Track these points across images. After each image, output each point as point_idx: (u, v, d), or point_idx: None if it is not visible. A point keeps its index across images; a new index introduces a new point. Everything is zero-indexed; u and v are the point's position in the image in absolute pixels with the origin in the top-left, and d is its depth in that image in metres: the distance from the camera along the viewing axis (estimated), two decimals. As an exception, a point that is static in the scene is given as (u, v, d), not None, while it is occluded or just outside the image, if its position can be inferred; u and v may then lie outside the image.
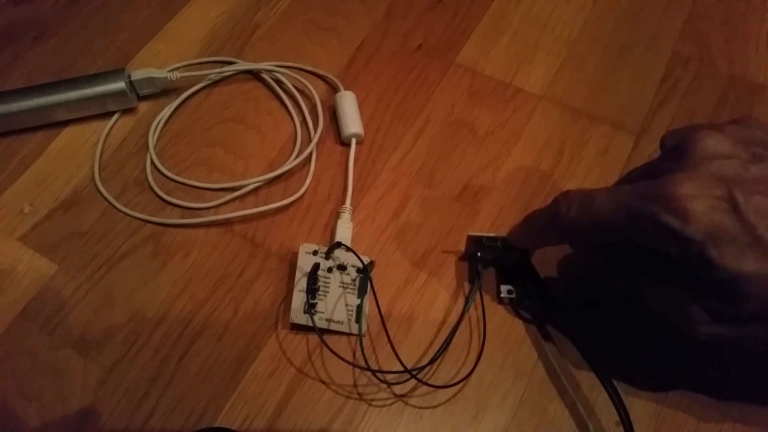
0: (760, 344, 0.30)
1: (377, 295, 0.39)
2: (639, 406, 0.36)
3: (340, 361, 0.37)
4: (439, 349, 0.37)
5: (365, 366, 0.37)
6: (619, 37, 0.50)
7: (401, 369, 0.36)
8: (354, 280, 0.39)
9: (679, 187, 0.28)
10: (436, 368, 0.37)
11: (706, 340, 0.30)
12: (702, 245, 0.27)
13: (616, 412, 0.35)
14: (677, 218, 0.27)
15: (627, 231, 0.29)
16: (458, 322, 0.38)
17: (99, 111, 0.46)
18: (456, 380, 0.37)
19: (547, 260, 0.40)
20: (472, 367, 0.37)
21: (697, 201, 0.27)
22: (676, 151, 0.31)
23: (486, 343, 0.38)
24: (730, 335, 0.29)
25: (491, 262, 0.40)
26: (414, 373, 0.36)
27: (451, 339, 0.38)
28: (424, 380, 0.37)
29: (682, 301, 0.30)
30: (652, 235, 0.29)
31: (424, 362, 0.37)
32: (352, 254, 0.39)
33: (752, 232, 0.27)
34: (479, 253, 0.39)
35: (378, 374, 0.37)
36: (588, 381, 0.36)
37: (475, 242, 0.39)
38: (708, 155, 0.29)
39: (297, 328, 0.38)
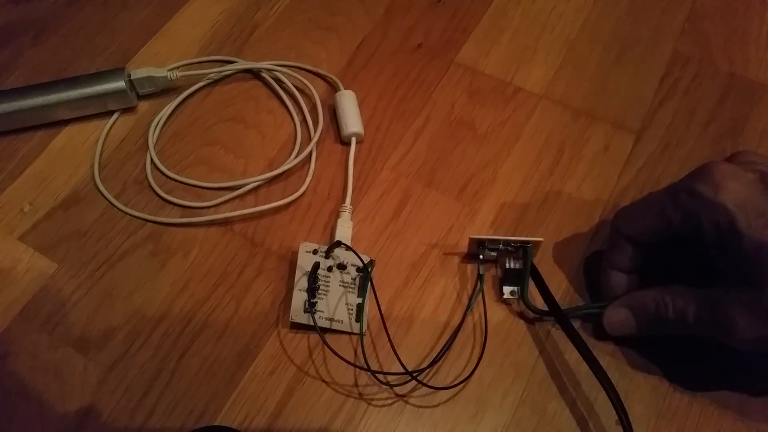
0: None
1: (378, 295, 0.39)
2: (639, 405, 0.36)
3: (340, 360, 0.37)
4: (440, 351, 0.37)
5: (366, 367, 0.37)
6: (619, 36, 0.50)
7: (402, 371, 0.36)
8: (354, 279, 0.39)
9: (716, 166, 0.31)
10: (437, 368, 0.37)
11: (749, 347, 0.31)
12: (732, 215, 0.30)
13: (615, 412, 0.35)
14: (711, 188, 0.31)
15: (671, 210, 0.32)
16: (459, 325, 0.38)
17: (99, 110, 0.46)
18: (456, 382, 0.37)
19: (546, 260, 0.40)
20: (473, 368, 0.37)
21: (732, 178, 0.31)
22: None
23: (486, 342, 0.38)
24: None
25: (493, 264, 0.40)
26: (415, 374, 0.36)
27: (452, 341, 0.38)
28: (424, 381, 0.37)
29: (722, 306, 0.31)
30: (691, 209, 0.31)
31: (425, 362, 0.37)
32: (352, 253, 0.39)
33: None
34: (481, 256, 0.39)
35: (378, 375, 0.37)
36: (588, 380, 0.36)
37: (477, 244, 0.39)
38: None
39: (297, 327, 0.38)
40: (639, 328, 0.35)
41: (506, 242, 0.38)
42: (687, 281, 0.34)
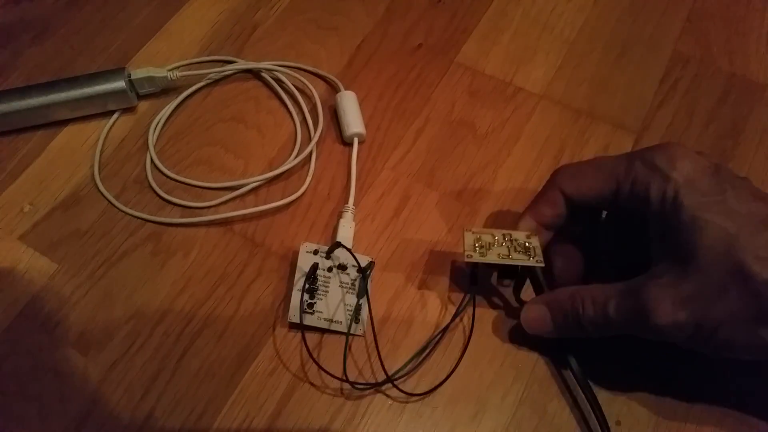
0: (725, 333, 0.30)
1: (377, 295, 0.39)
2: (639, 406, 0.36)
3: (340, 360, 0.37)
4: (413, 357, 0.37)
5: (345, 379, 0.36)
6: (619, 37, 0.50)
7: (383, 378, 0.36)
8: (354, 280, 0.39)
9: (678, 146, 0.33)
10: (432, 367, 0.37)
11: (666, 335, 0.31)
12: (678, 188, 0.31)
13: (615, 412, 0.35)
14: (667, 162, 0.32)
15: (623, 174, 0.33)
16: (445, 328, 0.38)
17: (99, 110, 0.46)
18: (435, 384, 0.37)
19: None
20: (450, 371, 0.37)
21: (688, 159, 0.32)
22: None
23: (485, 342, 0.38)
24: (691, 319, 0.30)
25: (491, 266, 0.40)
26: (395, 379, 0.36)
27: (434, 346, 0.38)
28: (406, 388, 0.37)
29: (644, 290, 0.31)
30: (642, 177, 0.33)
31: (410, 361, 0.37)
32: (351, 254, 0.39)
33: (722, 194, 0.31)
34: (476, 271, 0.38)
35: (357, 386, 0.36)
36: (588, 380, 0.36)
37: (474, 266, 0.38)
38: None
39: (296, 327, 0.38)
40: (556, 327, 0.35)
41: (505, 266, 0.37)
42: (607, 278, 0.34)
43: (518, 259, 0.36)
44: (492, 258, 0.36)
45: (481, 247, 0.36)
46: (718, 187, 0.31)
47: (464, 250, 0.36)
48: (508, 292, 0.39)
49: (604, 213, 0.40)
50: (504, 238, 0.37)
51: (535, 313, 0.36)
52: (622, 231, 0.38)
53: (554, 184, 0.36)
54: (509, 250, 0.36)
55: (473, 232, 0.37)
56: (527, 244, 0.36)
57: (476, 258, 0.36)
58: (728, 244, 0.29)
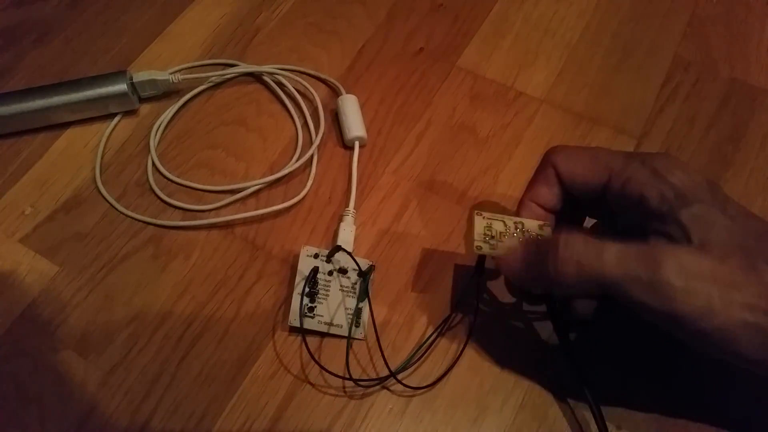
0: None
1: (377, 299, 0.39)
2: (639, 411, 0.36)
3: (340, 363, 0.37)
4: (420, 349, 0.37)
5: (349, 377, 0.36)
6: (620, 41, 0.50)
7: (388, 373, 0.36)
8: (355, 284, 0.39)
9: (675, 157, 0.33)
10: (432, 364, 0.37)
11: (680, 294, 0.29)
12: (679, 191, 0.31)
13: (616, 417, 0.35)
14: (666, 168, 0.31)
15: (620, 166, 0.32)
16: (445, 319, 0.38)
17: (100, 113, 0.47)
18: (438, 377, 0.37)
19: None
20: (447, 367, 0.37)
21: (685, 169, 0.32)
22: None
23: (487, 346, 0.38)
24: (704, 298, 0.29)
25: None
26: (396, 374, 0.36)
27: (431, 343, 0.38)
28: (412, 382, 0.37)
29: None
30: (636, 176, 0.32)
31: (413, 353, 0.37)
32: (351, 258, 0.39)
33: (721, 203, 0.31)
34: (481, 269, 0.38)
35: (360, 382, 0.37)
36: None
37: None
38: None
39: (297, 330, 0.38)
40: (526, 267, 0.33)
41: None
42: None
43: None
44: (502, 251, 0.34)
45: (492, 237, 0.35)
46: (714, 198, 0.31)
47: (474, 239, 0.35)
48: (508, 293, 0.39)
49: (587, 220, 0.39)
50: (516, 228, 0.35)
51: (510, 252, 0.34)
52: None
53: (548, 161, 0.35)
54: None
55: (484, 217, 0.35)
56: (539, 237, 0.35)
57: (486, 250, 0.35)
58: (736, 245, 0.29)
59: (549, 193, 0.35)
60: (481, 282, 0.39)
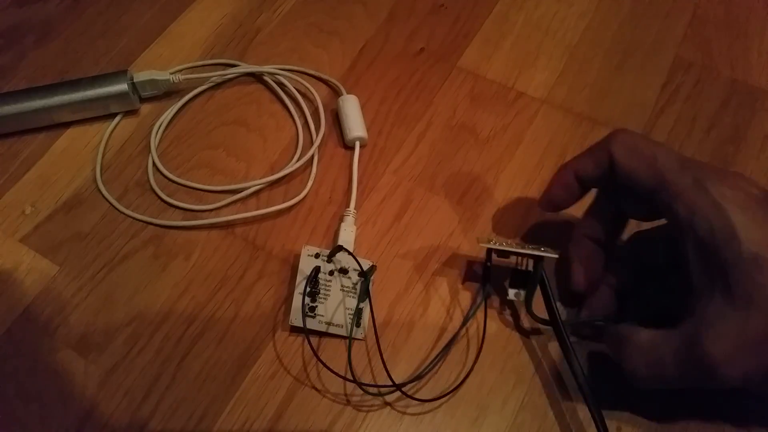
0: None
1: (378, 299, 0.39)
2: (640, 412, 0.36)
3: (338, 363, 0.37)
4: (431, 363, 0.37)
5: (352, 379, 0.36)
6: (621, 42, 0.50)
7: (389, 383, 0.36)
8: (355, 284, 0.39)
9: (734, 174, 0.31)
10: (434, 375, 0.37)
11: (737, 380, 0.29)
12: (732, 220, 0.29)
13: (616, 418, 0.35)
14: (719, 185, 0.30)
15: (673, 186, 0.31)
16: (454, 336, 0.38)
17: (101, 113, 0.47)
18: (447, 391, 0.37)
19: (548, 265, 0.40)
20: (464, 377, 0.37)
21: (741, 185, 0.30)
22: None
23: (487, 347, 0.38)
24: (762, 367, 0.28)
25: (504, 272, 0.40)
26: (402, 386, 0.36)
27: (446, 353, 0.38)
28: (411, 393, 0.37)
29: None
30: (688, 196, 0.30)
31: (422, 367, 0.37)
32: (354, 258, 0.39)
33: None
34: (489, 263, 0.38)
35: (365, 387, 0.36)
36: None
37: (489, 253, 0.38)
38: None
39: (297, 330, 0.38)
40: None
41: (520, 254, 0.38)
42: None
43: (533, 249, 0.37)
44: (506, 246, 0.37)
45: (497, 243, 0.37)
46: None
47: (479, 242, 0.38)
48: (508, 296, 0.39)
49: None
50: (519, 246, 0.37)
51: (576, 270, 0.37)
52: (652, 244, 0.37)
53: (608, 145, 0.34)
54: (523, 248, 0.37)
55: (489, 241, 0.37)
56: (542, 248, 0.37)
57: (492, 243, 0.37)
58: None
59: (593, 171, 0.35)
60: (487, 291, 0.39)
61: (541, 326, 0.39)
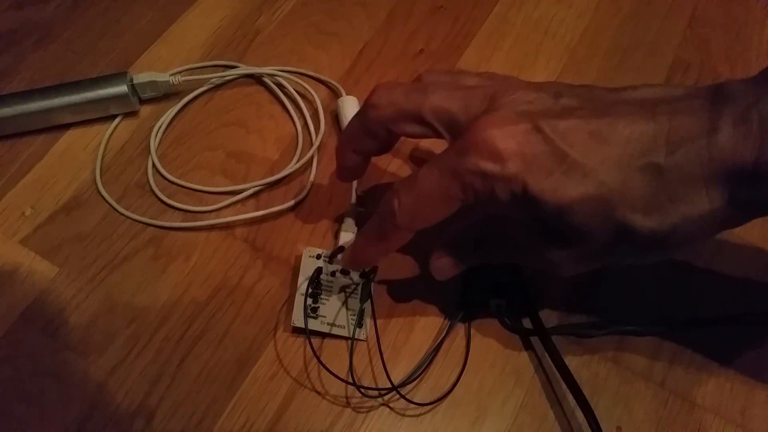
0: (625, 262, 0.31)
1: (379, 299, 0.39)
2: (640, 411, 0.36)
3: (340, 364, 0.37)
4: (418, 367, 0.37)
5: (352, 382, 0.36)
6: (620, 43, 0.50)
7: (389, 385, 0.36)
8: (357, 285, 0.39)
9: (486, 131, 0.28)
10: (436, 374, 0.37)
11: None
12: (523, 182, 0.28)
13: (615, 416, 0.35)
14: (494, 161, 0.28)
15: (461, 194, 0.29)
16: (442, 339, 0.38)
17: (101, 114, 0.47)
18: (442, 395, 0.37)
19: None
20: (455, 381, 0.37)
21: (506, 138, 0.28)
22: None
23: (487, 347, 0.38)
24: (592, 266, 0.31)
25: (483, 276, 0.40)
26: (399, 388, 0.36)
27: (433, 357, 0.38)
28: (411, 393, 0.37)
29: (540, 251, 0.31)
30: (482, 189, 0.29)
31: (414, 371, 0.37)
32: (353, 258, 0.39)
33: (565, 159, 0.27)
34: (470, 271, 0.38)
35: (363, 389, 0.36)
36: (589, 386, 0.36)
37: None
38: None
39: (298, 331, 0.38)
40: (466, 262, 0.36)
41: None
42: None
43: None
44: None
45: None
46: (556, 154, 0.28)
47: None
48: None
49: None
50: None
51: (445, 263, 0.35)
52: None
53: (376, 114, 0.33)
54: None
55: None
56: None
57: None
58: (602, 213, 0.28)
59: (373, 145, 0.35)
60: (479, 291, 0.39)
61: (525, 335, 0.38)
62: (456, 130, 0.31)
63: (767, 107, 0.26)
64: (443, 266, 0.36)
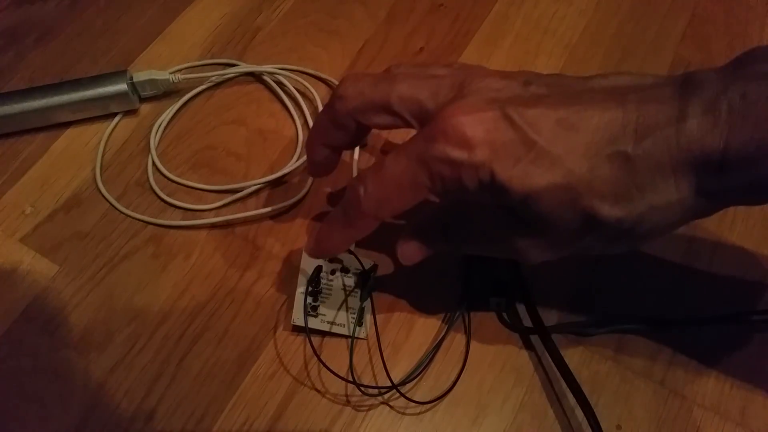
0: (593, 251, 0.31)
1: (379, 298, 0.39)
2: (640, 410, 0.36)
3: (340, 362, 0.37)
4: (418, 365, 0.37)
5: (352, 380, 0.36)
6: (620, 41, 0.50)
7: (389, 383, 0.36)
8: (357, 283, 0.39)
9: (454, 118, 0.28)
10: (436, 373, 0.37)
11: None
12: (491, 169, 0.27)
13: (616, 415, 0.35)
14: (461, 148, 0.27)
15: (428, 182, 0.29)
16: (443, 338, 0.38)
17: (101, 112, 0.47)
18: (441, 394, 0.37)
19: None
20: (454, 379, 0.37)
21: (474, 125, 0.27)
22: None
23: (487, 346, 0.38)
24: (560, 254, 0.31)
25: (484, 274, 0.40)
26: (399, 387, 0.36)
27: (433, 355, 0.38)
28: (411, 392, 0.37)
29: (507, 238, 0.31)
30: (450, 176, 0.28)
31: (414, 370, 0.37)
32: (355, 257, 0.39)
33: (533, 147, 0.27)
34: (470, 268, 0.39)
35: (362, 388, 0.36)
36: (588, 384, 0.36)
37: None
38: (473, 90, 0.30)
39: (298, 330, 0.38)
40: (433, 248, 0.35)
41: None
42: None
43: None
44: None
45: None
46: (524, 141, 0.27)
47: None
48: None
49: None
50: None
51: (411, 248, 0.35)
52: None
53: (344, 108, 0.33)
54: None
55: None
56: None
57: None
58: (569, 201, 0.27)
59: (344, 138, 0.34)
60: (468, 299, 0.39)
61: (525, 334, 0.38)
62: (425, 118, 0.30)
63: (736, 96, 0.26)
64: (409, 251, 0.35)
